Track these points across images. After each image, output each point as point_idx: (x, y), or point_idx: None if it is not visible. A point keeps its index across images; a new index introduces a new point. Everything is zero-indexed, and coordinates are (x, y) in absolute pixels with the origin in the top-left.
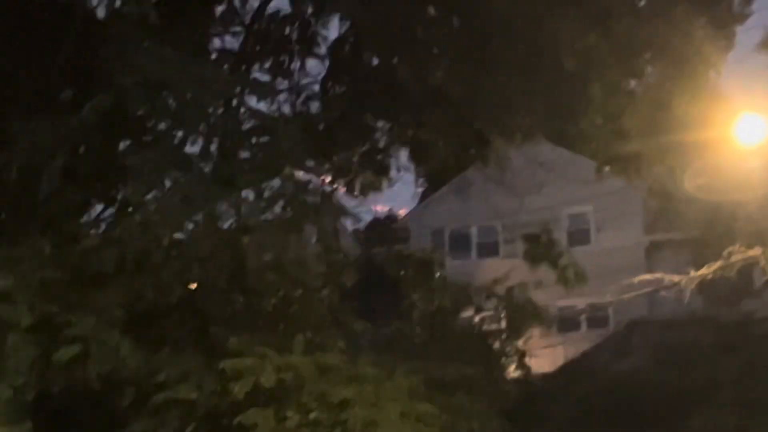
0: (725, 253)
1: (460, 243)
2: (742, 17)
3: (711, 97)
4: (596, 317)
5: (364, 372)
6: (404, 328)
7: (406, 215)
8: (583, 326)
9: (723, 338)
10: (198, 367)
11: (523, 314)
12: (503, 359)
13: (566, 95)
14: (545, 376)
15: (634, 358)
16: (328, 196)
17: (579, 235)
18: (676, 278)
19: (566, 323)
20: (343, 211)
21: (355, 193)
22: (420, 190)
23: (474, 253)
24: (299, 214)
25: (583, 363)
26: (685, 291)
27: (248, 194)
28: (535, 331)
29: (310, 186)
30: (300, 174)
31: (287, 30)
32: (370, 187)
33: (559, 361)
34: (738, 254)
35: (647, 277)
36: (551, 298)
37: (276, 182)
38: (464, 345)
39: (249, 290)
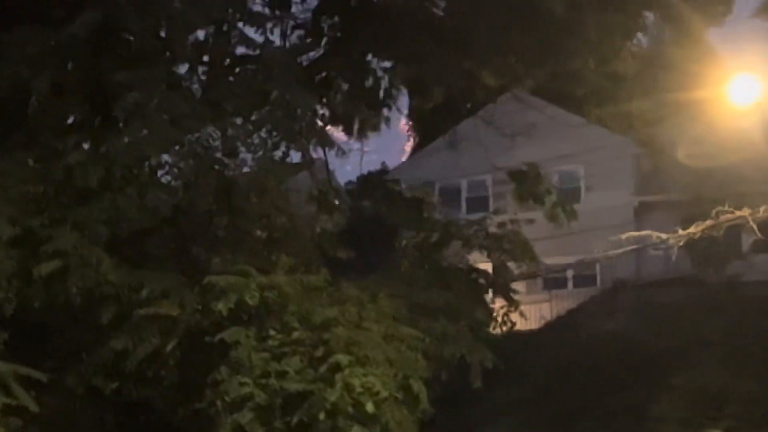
0: (714, 212)
1: (450, 197)
2: None
3: (707, 57)
4: (583, 276)
5: (347, 293)
6: (391, 259)
7: (395, 169)
8: (570, 284)
9: (709, 299)
10: (180, 285)
11: (512, 250)
12: (490, 294)
13: (560, 35)
14: (530, 332)
15: (620, 317)
16: (314, 123)
17: (568, 193)
18: (663, 236)
19: (553, 281)
20: (328, 140)
21: (353, 133)
22: (411, 143)
23: (464, 207)
24: (285, 138)
25: (569, 320)
26: (673, 250)
27: (236, 119)
28: (522, 287)
29: (298, 112)
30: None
31: None
32: (368, 127)
33: (546, 318)
34: (726, 215)
35: (634, 234)
36: (539, 255)
37: (265, 110)
38: (450, 275)
39: (234, 213)
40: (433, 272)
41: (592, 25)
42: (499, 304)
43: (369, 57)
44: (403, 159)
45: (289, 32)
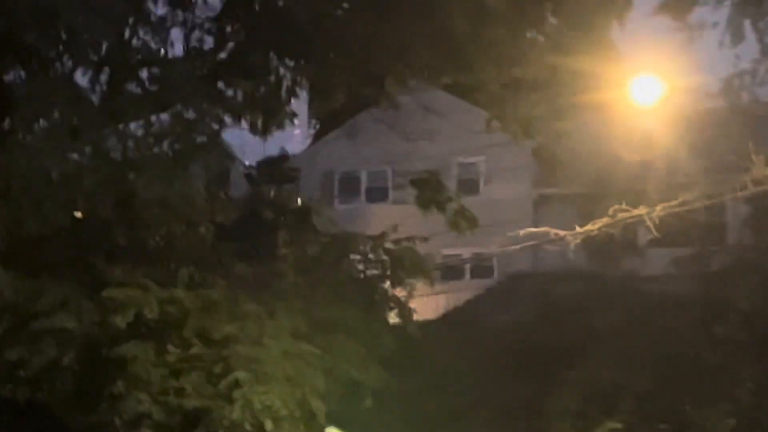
0: (611, 211)
1: (349, 186)
2: None
3: (608, 56)
4: (481, 267)
5: (246, 309)
6: (279, 270)
7: (296, 156)
8: (467, 275)
9: (604, 293)
10: (77, 296)
11: (407, 267)
12: (384, 306)
13: (460, 41)
14: (426, 323)
15: (517, 310)
16: (215, 136)
17: (468, 185)
18: (561, 233)
19: (450, 272)
20: (228, 153)
21: (257, 130)
22: (313, 131)
23: (363, 197)
24: (186, 152)
25: (466, 312)
26: (570, 246)
27: (137, 128)
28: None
29: (199, 125)
30: (190, 111)
31: None
32: (271, 124)
33: (442, 309)
34: (623, 213)
35: (532, 230)
36: (436, 246)
37: (165, 117)
38: (344, 290)
39: (134, 223)
40: (323, 284)
41: (493, 36)
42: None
43: (271, 56)
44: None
45: (190, 35)
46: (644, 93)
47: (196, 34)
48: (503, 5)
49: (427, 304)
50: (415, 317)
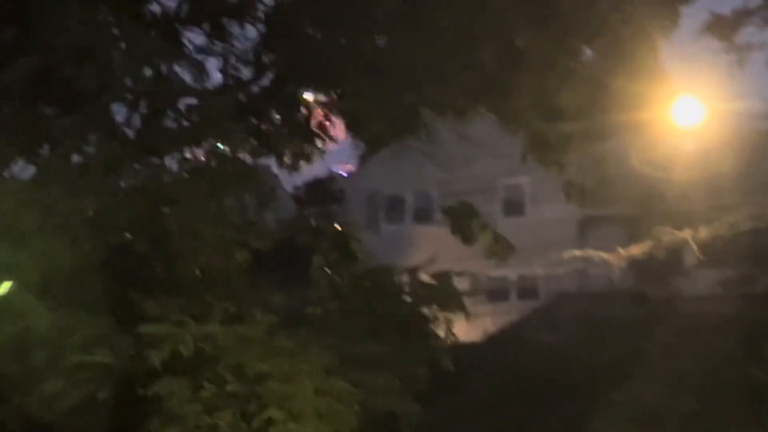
0: (655, 233)
1: (395, 208)
2: None
3: (650, 78)
4: (526, 288)
5: (280, 345)
6: (313, 300)
7: (342, 176)
8: (513, 297)
9: (649, 314)
10: (114, 331)
11: (445, 301)
12: (422, 336)
13: (501, 72)
14: (471, 345)
15: (562, 331)
16: (250, 170)
17: (514, 206)
18: (605, 256)
19: (496, 293)
20: (264, 187)
21: (286, 162)
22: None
23: (409, 218)
24: (221, 185)
25: (511, 333)
26: (614, 269)
27: (171, 163)
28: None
29: (232, 159)
30: (225, 145)
31: None
32: (300, 159)
33: (488, 331)
34: (667, 235)
35: (577, 253)
36: (482, 267)
37: (200, 151)
38: (379, 322)
39: (169, 256)
40: (365, 318)
41: (533, 60)
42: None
43: (306, 91)
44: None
45: (227, 65)
46: (688, 114)
47: (233, 64)
48: (534, 46)
49: (472, 325)
50: (461, 338)
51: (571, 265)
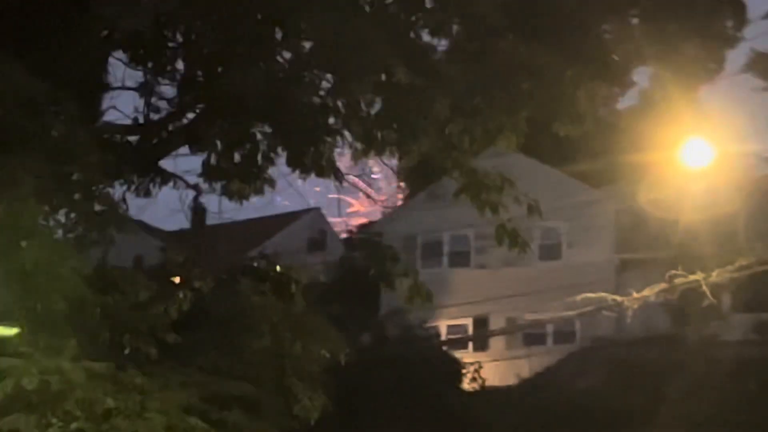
0: (667, 276)
1: (432, 251)
2: (734, 40)
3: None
4: (563, 332)
5: (132, 382)
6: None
7: (380, 219)
8: (549, 341)
9: (680, 358)
10: None
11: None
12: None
13: (549, 102)
14: (502, 389)
15: (595, 375)
16: (115, 207)
17: (550, 250)
18: (618, 299)
19: (532, 337)
20: (129, 226)
21: (232, 195)
22: (400, 196)
23: (445, 261)
24: (83, 221)
25: (545, 377)
26: (653, 308)
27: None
28: (500, 343)
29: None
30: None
31: None
32: (248, 190)
33: (521, 374)
34: (680, 278)
35: (590, 295)
36: (520, 310)
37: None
38: (253, 365)
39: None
40: (240, 360)
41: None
42: (469, 359)
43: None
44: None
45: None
46: (696, 157)
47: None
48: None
49: (508, 369)
50: (495, 382)
51: (583, 307)
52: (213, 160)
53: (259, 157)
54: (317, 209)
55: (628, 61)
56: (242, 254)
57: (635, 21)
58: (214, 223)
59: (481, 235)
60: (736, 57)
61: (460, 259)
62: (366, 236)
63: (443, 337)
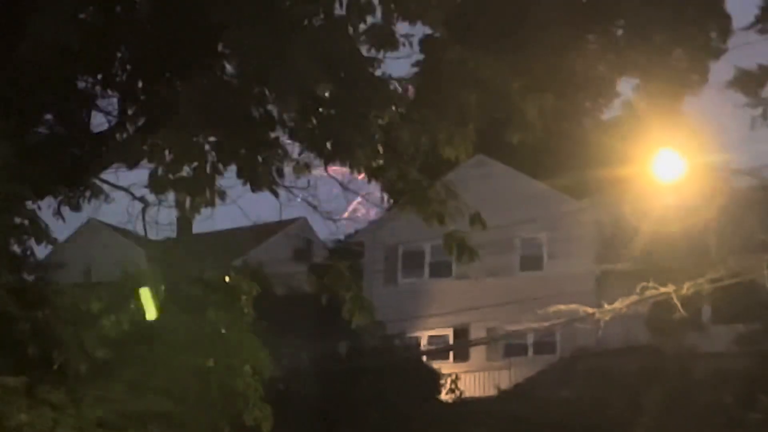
0: (638, 288)
1: (413, 261)
2: (719, 51)
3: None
4: (543, 343)
5: (45, 397)
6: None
7: (362, 230)
8: (530, 351)
9: (659, 370)
10: None
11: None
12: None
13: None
14: (481, 399)
15: (575, 386)
16: (35, 219)
17: (531, 261)
18: (590, 310)
19: (513, 348)
20: (46, 236)
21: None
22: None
23: (427, 271)
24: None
25: (525, 388)
26: (636, 318)
27: None
28: (481, 354)
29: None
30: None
31: None
32: (200, 203)
33: (504, 385)
34: (651, 290)
35: (561, 307)
36: (501, 321)
37: None
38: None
39: None
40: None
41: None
42: (449, 370)
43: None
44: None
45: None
46: (672, 169)
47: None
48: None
49: (488, 380)
50: (475, 393)
51: (556, 318)
52: (160, 171)
53: (208, 168)
54: (303, 218)
55: (613, 72)
56: (226, 263)
57: (620, 32)
58: (200, 232)
59: None
60: (719, 68)
61: (442, 269)
62: (346, 246)
63: (423, 348)
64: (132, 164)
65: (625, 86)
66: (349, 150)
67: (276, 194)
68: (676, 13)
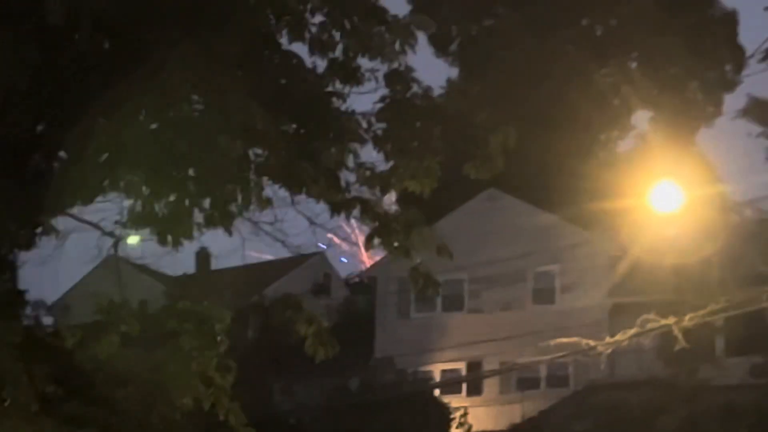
0: (639, 321)
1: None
2: (733, 84)
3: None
4: (556, 376)
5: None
6: None
7: (375, 264)
8: (543, 385)
9: (671, 403)
10: None
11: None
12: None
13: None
14: None
15: (587, 420)
16: None
17: (544, 294)
18: (592, 343)
19: (526, 382)
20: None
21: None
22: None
23: (439, 305)
24: None
25: (538, 422)
26: (648, 351)
27: None
28: (494, 387)
29: None
30: None
31: None
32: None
33: (517, 419)
34: (652, 323)
35: (564, 340)
36: (514, 354)
37: None
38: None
39: None
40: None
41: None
42: (462, 404)
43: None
44: None
45: None
46: (665, 200)
47: None
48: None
49: (501, 414)
50: (487, 427)
51: (556, 352)
52: (138, 207)
53: (187, 202)
54: (322, 253)
55: (627, 105)
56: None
57: (634, 65)
58: (220, 268)
59: (475, 279)
60: (733, 100)
61: (455, 302)
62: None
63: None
64: (87, 202)
65: (640, 119)
66: (304, 184)
67: (230, 232)
68: (690, 45)
